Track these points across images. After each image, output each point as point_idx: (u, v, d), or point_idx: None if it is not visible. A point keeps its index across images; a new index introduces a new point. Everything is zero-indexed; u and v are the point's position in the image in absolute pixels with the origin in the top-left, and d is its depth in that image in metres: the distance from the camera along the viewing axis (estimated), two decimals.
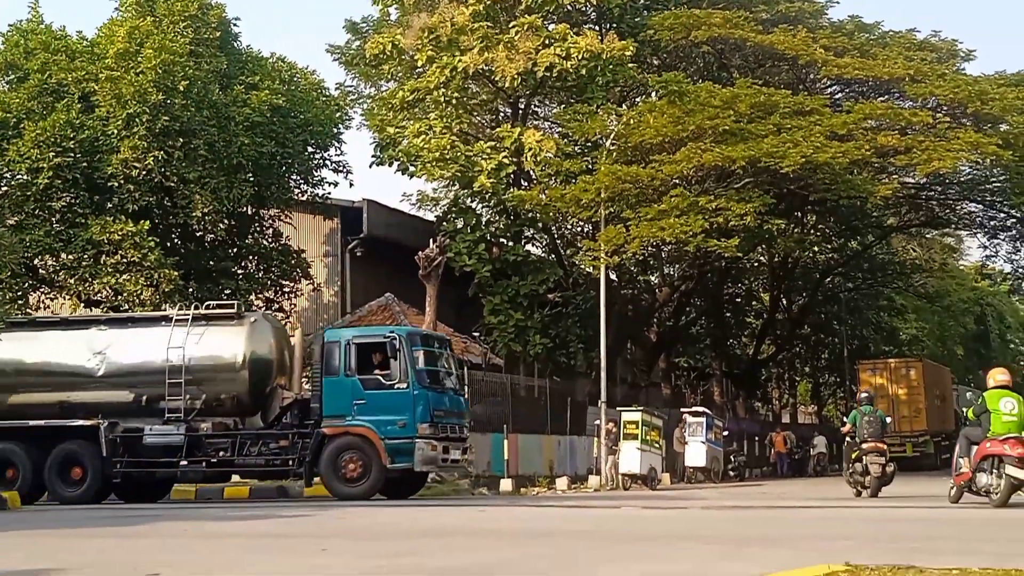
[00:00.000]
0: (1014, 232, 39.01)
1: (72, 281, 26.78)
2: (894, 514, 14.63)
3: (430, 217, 36.04)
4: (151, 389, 19.99)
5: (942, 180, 35.47)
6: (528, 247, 35.15)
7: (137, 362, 20.36)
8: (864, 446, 18.88)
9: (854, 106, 32.35)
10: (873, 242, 44.00)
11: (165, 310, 22.56)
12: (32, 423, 20.26)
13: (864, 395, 20.81)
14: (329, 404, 19.49)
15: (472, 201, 32.64)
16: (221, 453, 19.90)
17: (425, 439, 19.07)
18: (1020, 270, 44.43)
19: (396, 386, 19.19)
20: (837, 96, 36.38)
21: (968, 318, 56.90)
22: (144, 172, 25.99)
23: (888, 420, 21.71)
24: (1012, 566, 6.89)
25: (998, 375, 15.83)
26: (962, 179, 35.97)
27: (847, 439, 20.34)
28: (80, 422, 19.91)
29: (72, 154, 25.99)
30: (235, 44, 30.20)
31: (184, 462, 19.78)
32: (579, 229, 36.41)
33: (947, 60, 36.09)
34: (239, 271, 29.62)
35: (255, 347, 20.16)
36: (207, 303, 22.07)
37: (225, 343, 20.23)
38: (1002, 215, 38.27)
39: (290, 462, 19.55)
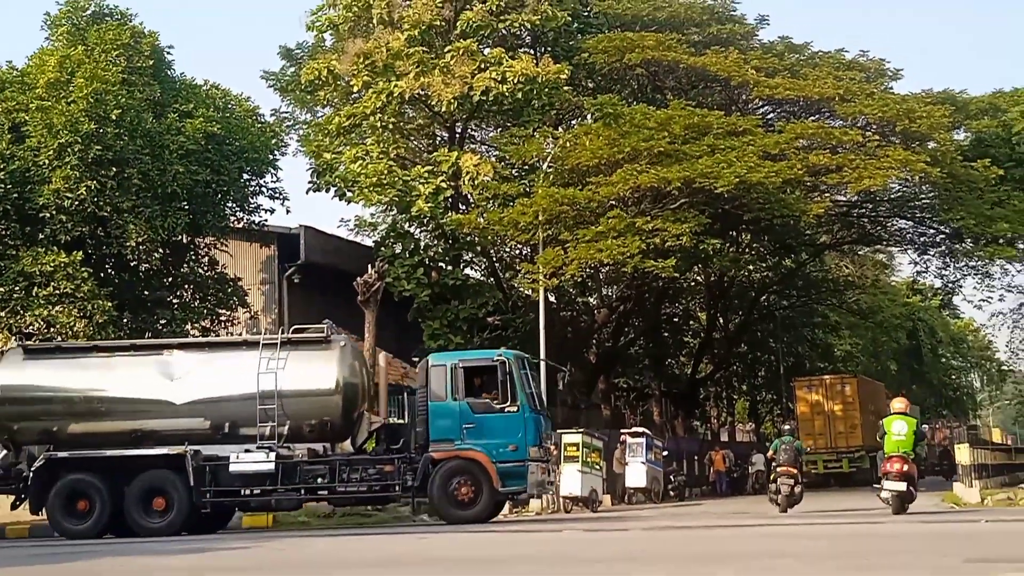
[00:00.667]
0: (943, 248, 39.64)
1: (3, 314, 26.29)
2: (836, 531, 14.79)
3: (368, 242, 35.90)
4: (234, 415, 19.42)
5: (873, 198, 36.00)
6: (467, 271, 35.13)
7: (222, 388, 19.67)
8: (779, 469, 20.96)
9: (786, 126, 32.82)
10: (807, 260, 44.52)
11: (249, 337, 22.35)
12: (110, 453, 19.28)
13: (787, 427, 23.07)
14: (435, 429, 19.37)
15: (410, 226, 32.56)
16: (319, 479, 19.35)
17: (535, 462, 19.34)
18: (950, 285, 45.12)
19: (507, 410, 19.24)
20: (769, 116, 36.85)
21: (900, 333, 57.72)
22: (76, 202, 25.63)
23: (805, 448, 25.07)
24: None
25: (896, 403, 18.86)
26: (892, 196, 36.56)
27: (772, 463, 22.18)
28: (164, 450, 19.08)
29: (2, 185, 25.62)
30: (169, 72, 29.95)
31: (280, 489, 19.15)
32: (517, 252, 36.49)
33: (875, 79, 36.71)
34: (175, 300, 29.28)
35: (346, 372, 19.75)
36: (294, 327, 21.34)
37: (317, 368, 19.76)
38: (931, 231, 38.90)
39: (395, 487, 19.28)
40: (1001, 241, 35.37)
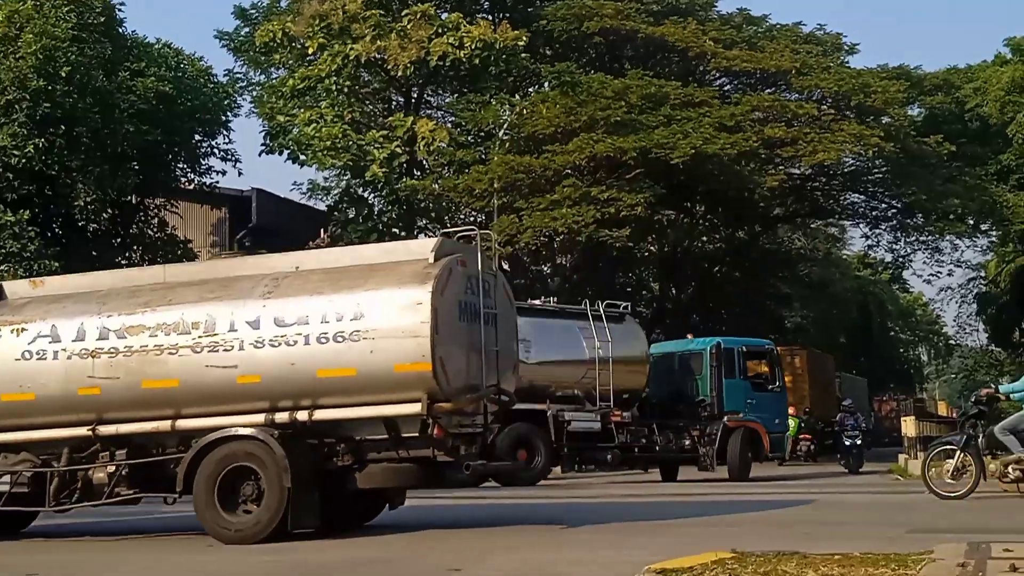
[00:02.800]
0: (895, 222, 39.93)
1: None
2: (784, 499, 14.93)
3: (321, 207, 35.65)
4: (567, 378, 21.18)
5: (826, 171, 36.19)
6: (421, 237, 34.95)
7: (559, 352, 21.19)
8: None
9: (742, 98, 32.90)
10: (760, 232, 44.70)
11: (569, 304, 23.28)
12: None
13: None
14: (728, 402, 22.79)
15: (364, 191, 32.32)
16: (642, 440, 21.90)
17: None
18: (900, 259, 45.55)
19: (772, 389, 23.96)
20: (726, 88, 36.88)
21: (851, 306, 58.23)
22: (24, 160, 25.23)
23: None
24: (892, 550, 7.06)
25: None
26: (845, 170, 36.78)
27: None
28: (533, 406, 20.09)
29: None
30: (120, 30, 29.50)
31: (603, 446, 21.45)
32: (472, 219, 36.36)
33: (832, 53, 36.83)
34: (123, 262, 28.97)
35: (646, 346, 23.18)
36: (604, 302, 22.73)
37: (630, 341, 22.21)
38: (883, 205, 39.18)
39: (696, 448, 22.10)
40: (951, 216, 35.76)
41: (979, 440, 13.68)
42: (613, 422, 21.32)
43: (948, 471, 13.74)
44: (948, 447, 14.03)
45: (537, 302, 23.20)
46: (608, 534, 10.07)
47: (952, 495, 13.35)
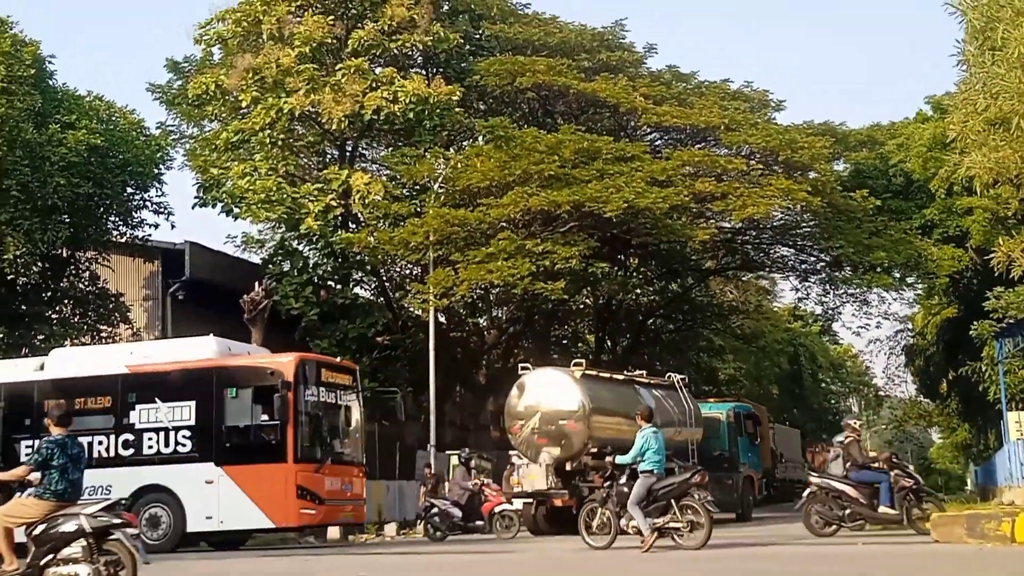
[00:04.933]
0: (823, 275, 40.53)
1: None
2: (715, 553, 15.01)
3: (255, 260, 35.41)
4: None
5: (756, 225, 36.71)
6: (356, 290, 34.88)
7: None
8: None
9: (673, 153, 33.37)
10: (692, 285, 45.19)
11: None
12: None
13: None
14: (741, 455, 29.20)
15: (299, 243, 32.21)
16: None
17: None
18: (830, 312, 46.19)
19: (756, 443, 30.64)
20: (657, 143, 37.39)
21: (783, 358, 58.94)
22: None
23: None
24: None
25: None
26: (775, 224, 37.34)
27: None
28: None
29: None
30: (51, 82, 29.31)
31: None
32: (408, 272, 36.37)
33: (759, 109, 37.58)
34: (53, 316, 28.58)
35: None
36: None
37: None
38: (812, 259, 39.79)
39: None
40: (878, 269, 36.41)
41: (613, 500, 15.48)
42: None
43: (595, 525, 15.78)
44: (593, 504, 15.97)
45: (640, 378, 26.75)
46: None
47: (599, 546, 15.43)
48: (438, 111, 31.15)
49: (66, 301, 29.49)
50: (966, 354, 38.80)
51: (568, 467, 22.91)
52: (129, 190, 29.81)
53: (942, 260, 35.66)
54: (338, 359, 23.39)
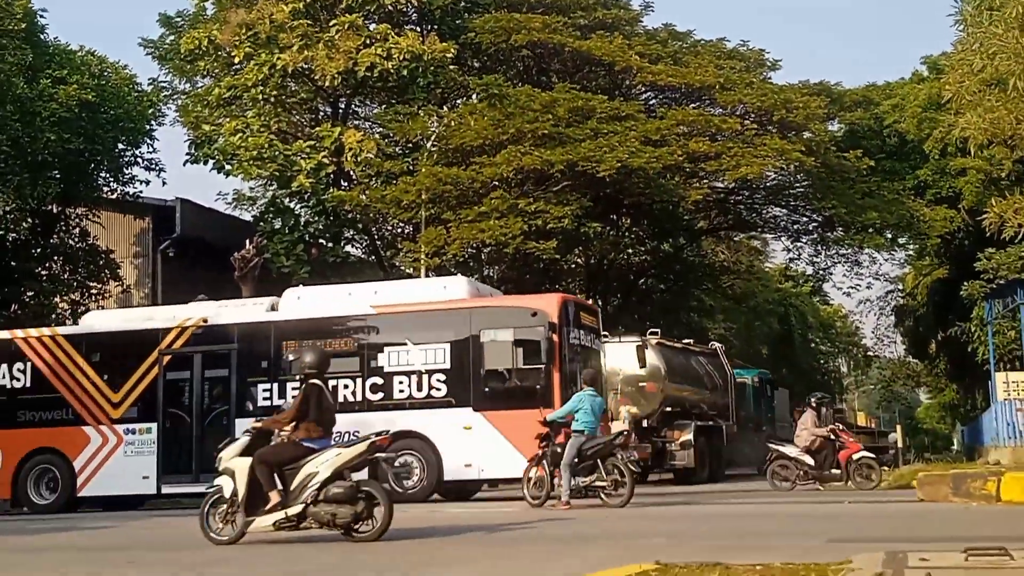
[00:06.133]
0: (815, 236, 40.58)
1: None
2: (711, 510, 15.12)
3: (247, 217, 35.34)
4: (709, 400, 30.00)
5: (749, 185, 36.68)
6: (348, 248, 34.82)
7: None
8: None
9: (667, 112, 33.26)
10: (684, 244, 45.18)
11: None
12: None
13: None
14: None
15: (290, 201, 32.08)
16: None
17: None
18: (821, 272, 46.30)
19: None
20: (651, 102, 37.25)
21: (773, 318, 59.05)
22: None
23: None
24: (812, 560, 7.21)
25: None
26: (768, 184, 37.33)
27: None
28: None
29: None
30: (42, 36, 29.02)
31: None
32: (400, 230, 36.29)
33: (755, 69, 37.39)
34: (43, 272, 28.48)
35: None
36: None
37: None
38: (804, 219, 39.81)
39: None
40: (870, 230, 36.47)
41: (548, 458, 15.81)
42: None
43: (532, 482, 16.06)
44: (533, 462, 16.15)
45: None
46: (533, 545, 10.15)
47: (536, 502, 15.73)
48: (432, 68, 30.92)
49: (56, 258, 29.42)
50: (955, 315, 38.96)
51: (644, 424, 25.48)
52: (120, 146, 29.66)
53: (934, 221, 35.73)
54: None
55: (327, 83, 30.32)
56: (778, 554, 7.63)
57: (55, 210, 29.04)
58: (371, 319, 19.89)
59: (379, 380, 19.27)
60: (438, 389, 19.15)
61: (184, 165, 32.02)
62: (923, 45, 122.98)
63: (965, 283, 33.74)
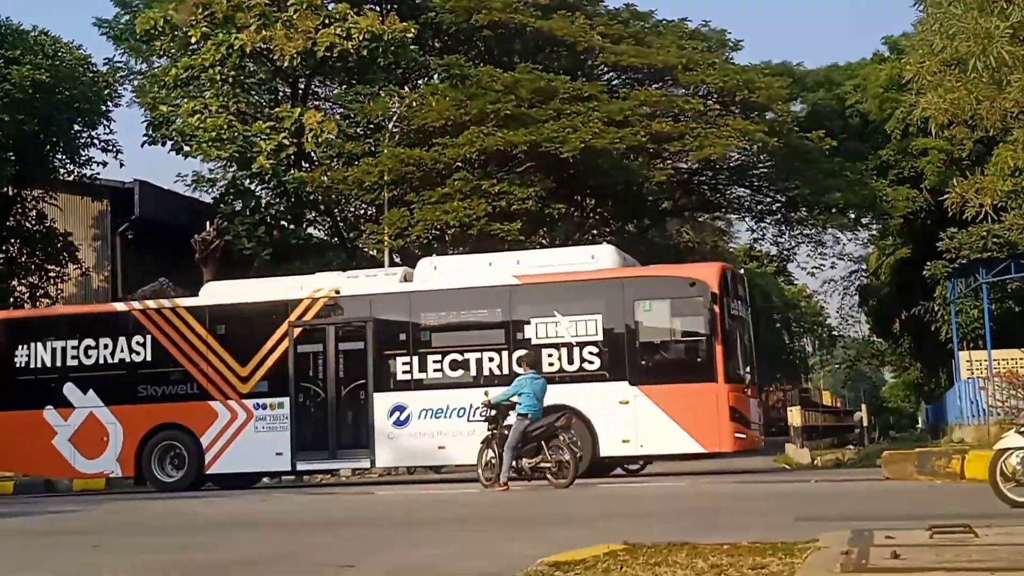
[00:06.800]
0: (779, 216, 40.65)
1: None
2: (681, 491, 15.07)
3: (207, 199, 34.93)
4: None
5: (713, 166, 36.67)
6: (310, 230, 34.53)
7: None
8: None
9: (630, 93, 33.14)
10: (649, 226, 45.17)
11: None
12: None
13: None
14: None
15: (251, 183, 31.74)
16: None
17: None
18: (785, 252, 46.40)
19: None
20: (614, 83, 37.09)
21: None
22: None
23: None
24: (779, 539, 7.13)
25: None
26: (731, 165, 37.32)
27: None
28: None
29: None
30: None
31: None
32: (362, 212, 36.01)
33: (717, 49, 37.32)
34: (0, 255, 28.03)
35: None
36: None
37: None
38: (768, 199, 39.85)
39: None
40: (834, 210, 36.57)
41: (496, 441, 15.95)
42: None
43: (484, 464, 16.17)
44: (484, 444, 16.28)
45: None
46: (501, 525, 10.02)
47: (487, 483, 15.85)
48: (392, 48, 30.60)
49: (12, 240, 28.99)
50: (919, 294, 39.15)
51: None
52: (76, 127, 29.21)
53: (897, 201, 35.88)
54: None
55: (286, 63, 29.99)
56: (745, 533, 7.54)
57: (11, 192, 28.60)
58: (516, 289, 19.21)
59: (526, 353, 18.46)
60: (590, 362, 18.53)
61: (142, 146, 31.56)
62: (884, 26, 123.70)
63: (928, 263, 33.91)
